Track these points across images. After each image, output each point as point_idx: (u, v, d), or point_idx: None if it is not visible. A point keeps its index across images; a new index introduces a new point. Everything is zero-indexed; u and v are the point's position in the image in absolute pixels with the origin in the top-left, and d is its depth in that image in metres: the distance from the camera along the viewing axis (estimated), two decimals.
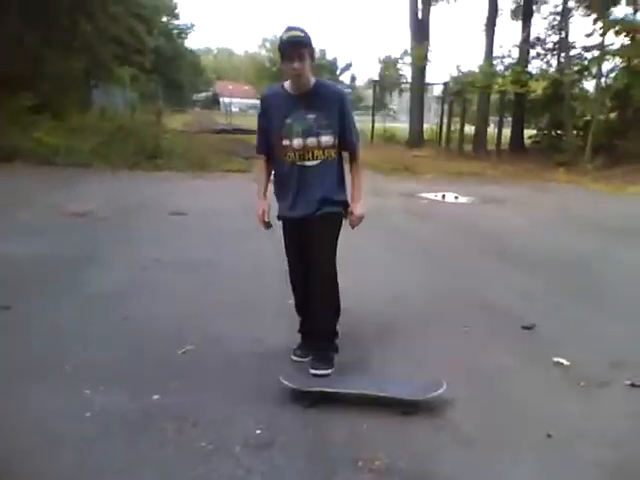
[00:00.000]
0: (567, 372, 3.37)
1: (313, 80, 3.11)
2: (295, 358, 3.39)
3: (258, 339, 3.66)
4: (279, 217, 3.30)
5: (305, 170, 3.13)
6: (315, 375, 3.11)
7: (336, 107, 3.11)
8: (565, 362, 3.47)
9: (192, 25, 57.73)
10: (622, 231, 7.82)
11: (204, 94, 67.32)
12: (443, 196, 10.91)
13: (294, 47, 2.95)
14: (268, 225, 3.31)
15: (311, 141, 3.08)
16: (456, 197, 10.97)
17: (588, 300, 4.77)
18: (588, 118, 18.91)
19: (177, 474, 2.31)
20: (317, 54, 3.43)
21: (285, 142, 3.10)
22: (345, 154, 3.29)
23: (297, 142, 3.08)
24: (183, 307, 4.23)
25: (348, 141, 3.22)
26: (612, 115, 19.61)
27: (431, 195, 10.96)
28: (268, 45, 76.48)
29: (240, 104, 56.51)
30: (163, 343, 3.56)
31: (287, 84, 3.13)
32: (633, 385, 3.19)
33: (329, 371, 3.15)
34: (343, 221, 3.27)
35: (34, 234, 6.17)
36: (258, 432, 2.62)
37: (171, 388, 3.00)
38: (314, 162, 3.12)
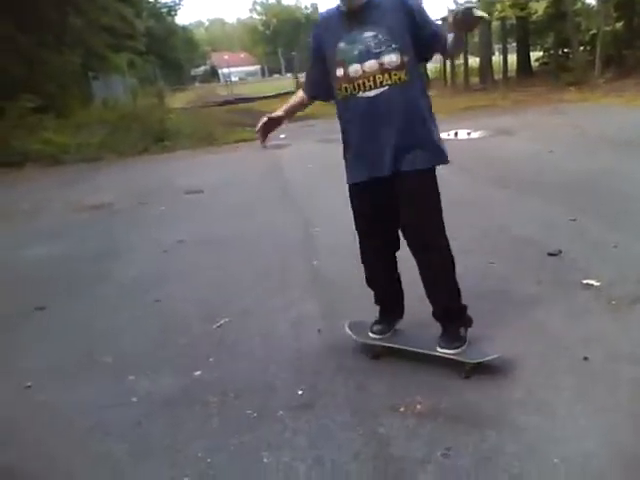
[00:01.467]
0: (598, 293, 3.36)
1: None
2: (373, 335, 2.93)
3: (288, 305, 3.70)
4: (350, 186, 2.74)
5: (369, 104, 2.51)
6: (443, 354, 2.70)
7: (399, 13, 2.49)
8: (595, 283, 3.45)
9: (180, 1, 56.89)
10: (636, 145, 7.63)
11: (202, 68, 66.77)
12: (455, 133, 10.76)
13: None
14: (265, 130, 2.85)
15: (370, 65, 2.48)
16: (468, 133, 10.81)
17: (610, 220, 4.70)
18: (594, 32, 18.30)
19: (225, 444, 2.37)
20: None
21: (339, 71, 2.54)
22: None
23: (354, 69, 2.50)
24: (211, 284, 4.28)
25: (433, 36, 2.55)
26: (618, 25, 18.94)
27: (443, 134, 10.72)
28: (259, 8, 75.12)
29: (239, 73, 55.95)
30: (197, 321, 3.63)
31: (341, 1, 2.57)
32: None
33: (459, 350, 2.69)
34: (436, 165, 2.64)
35: (56, 233, 6.27)
36: (300, 393, 2.68)
37: (211, 363, 3.07)
38: (378, 90, 2.49)
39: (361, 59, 2.49)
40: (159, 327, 3.63)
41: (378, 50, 2.47)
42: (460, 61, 23.14)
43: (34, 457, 2.44)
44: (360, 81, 2.50)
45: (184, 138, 13.29)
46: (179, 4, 55.43)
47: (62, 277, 4.78)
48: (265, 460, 2.24)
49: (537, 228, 4.67)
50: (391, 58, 2.47)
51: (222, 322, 3.55)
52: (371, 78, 2.48)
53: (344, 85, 2.54)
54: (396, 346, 2.88)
